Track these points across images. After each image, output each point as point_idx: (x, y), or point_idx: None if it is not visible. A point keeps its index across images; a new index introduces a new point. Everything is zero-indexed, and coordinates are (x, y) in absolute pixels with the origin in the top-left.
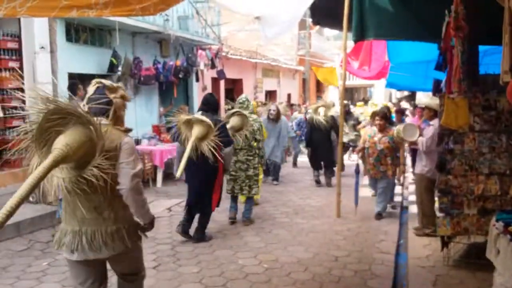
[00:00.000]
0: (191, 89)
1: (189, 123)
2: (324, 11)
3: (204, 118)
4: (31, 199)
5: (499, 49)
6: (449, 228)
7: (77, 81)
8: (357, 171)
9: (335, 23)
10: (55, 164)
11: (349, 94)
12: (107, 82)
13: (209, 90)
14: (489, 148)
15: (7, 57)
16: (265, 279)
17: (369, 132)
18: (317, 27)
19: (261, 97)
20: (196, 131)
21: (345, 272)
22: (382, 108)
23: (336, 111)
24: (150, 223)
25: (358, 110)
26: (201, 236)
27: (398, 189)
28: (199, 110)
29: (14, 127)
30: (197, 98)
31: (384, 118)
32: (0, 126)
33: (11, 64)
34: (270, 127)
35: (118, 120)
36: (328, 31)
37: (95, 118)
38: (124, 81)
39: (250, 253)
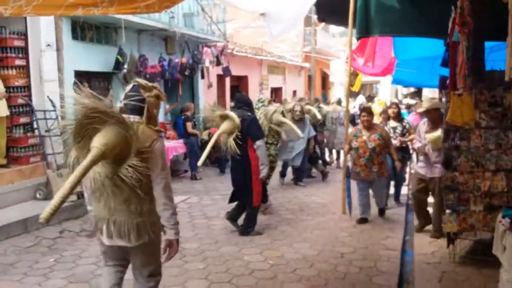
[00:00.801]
0: (196, 86)
1: (222, 118)
2: (329, 8)
3: (231, 113)
4: (38, 195)
5: (506, 45)
6: (455, 224)
7: (82, 80)
8: (347, 175)
9: (340, 19)
10: (93, 163)
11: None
12: (142, 81)
13: (214, 87)
14: (495, 145)
15: (13, 55)
16: (270, 275)
17: (354, 132)
18: (323, 23)
19: (267, 94)
20: (224, 126)
21: (351, 269)
22: (389, 106)
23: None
24: (173, 237)
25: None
26: (244, 230)
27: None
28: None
29: (20, 124)
30: (202, 95)
31: (371, 114)
32: (7, 124)
33: (18, 62)
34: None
35: (151, 119)
36: (334, 28)
37: (129, 119)
38: (130, 79)
39: (255, 250)
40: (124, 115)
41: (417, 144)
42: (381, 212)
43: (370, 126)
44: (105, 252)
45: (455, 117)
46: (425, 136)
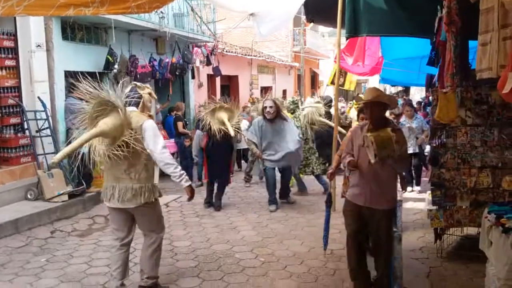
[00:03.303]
0: (187, 86)
1: (213, 112)
2: (318, 8)
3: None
4: (29, 196)
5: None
6: (442, 220)
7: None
8: (328, 202)
9: (329, 20)
10: (96, 133)
11: (344, 90)
12: (138, 83)
13: (205, 87)
14: (481, 142)
15: (3, 55)
16: (261, 272)
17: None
18: (312, 24)
19: (257, 93)
20: (223, 115)
21: (340, 265)
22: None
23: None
24: (189, 192)
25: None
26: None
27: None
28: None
29: (11, 125)
30: (193, 94)
31: None
32: None
33: (8, 62)
34: (268, 129)
35: (145, 109)
36: (323, 28)
37: (128, 108)
38: (120, 79)
39: (246, 247)
40: (121, 104)
41: (348, 158)
42: None
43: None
44: (112, 218)
45: (442, 115)
46: (368, 143)
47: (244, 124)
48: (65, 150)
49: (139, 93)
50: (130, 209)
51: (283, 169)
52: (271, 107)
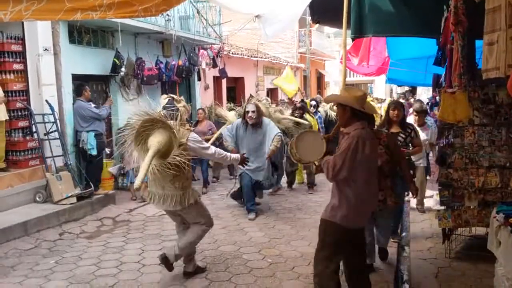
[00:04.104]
0: (193, 88)
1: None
2: (323, 9)
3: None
4: (37, 198)
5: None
6: (450, 221)
7: (84, 83)
8: None
9: (334, 21)
10: (154, 155)
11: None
12: (174, 96)
13: (211, 89)
14: (488, 142)
15: (11, 59)
16: (269, 273)
17: None
18: (317, 24)
19: (263, 94)
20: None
21: None
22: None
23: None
24: (240, 162)
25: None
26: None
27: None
28: None
29: (19, 128)
30: (199, 97)
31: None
32: (6, 128)
33: (15, 66)
34: (247, 135)
35: (182, 122)
36: (328, 29)
37: (172, 123)
38: (127, 82)
39: (254, 248)
40: (172, 123)
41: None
42: (383, 253)
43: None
44: (170, 217)
45: (446, 115)
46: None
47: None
48: (141, 176)
49: (176, 106)
50: (175, 211)
51: (257, 181)
52: (253, 111)
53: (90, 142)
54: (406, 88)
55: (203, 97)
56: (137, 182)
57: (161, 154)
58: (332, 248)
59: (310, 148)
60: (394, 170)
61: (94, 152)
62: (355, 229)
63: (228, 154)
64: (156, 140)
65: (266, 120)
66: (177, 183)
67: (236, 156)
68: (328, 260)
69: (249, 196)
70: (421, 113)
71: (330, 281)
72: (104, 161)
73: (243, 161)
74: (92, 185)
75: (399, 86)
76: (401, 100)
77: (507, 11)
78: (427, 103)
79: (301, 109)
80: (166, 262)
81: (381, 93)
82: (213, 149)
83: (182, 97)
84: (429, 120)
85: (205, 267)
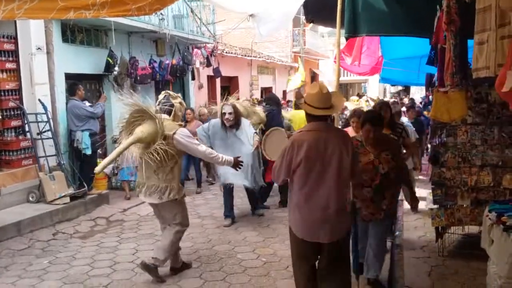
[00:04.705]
0: (187, 87)
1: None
2: (317, 8)
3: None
4: (30, 198)
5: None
6: (443, 219)
7: (77, 82)
8: (352, 213)
9: (328, 20)
10: (134, 141)
11: (344, 89)
12: (171, 92)
13: (205, 88)
14: (481, 140)
15: (3, 58)
16: (263, 272)
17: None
18: (311, 24)
19: (257, 94)
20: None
21: None
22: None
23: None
24: (233, 164)
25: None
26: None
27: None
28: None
29: (12, 128)
30: (193, 96)
31: (380, 122)
32: None
33: (8, 65)
34: (223, 138)
35: (176, 117)
36: (323, 28)
37: (160, 115)
38: (121, 81)
39: (248, 248)
40: (158, 114)
41: None
42: (375, 285)
43: (378, 140)
44: (152, 207)
45: (439, 114)
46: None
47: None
48: (105, 161)
49: (171, 102)
50: (155, 204)
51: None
52: (230, 113)
53: (84, 141)
54: (400, 88)
55: (197, 96)
56: (99, 167)
57: (145, 144)
58: (294, 251)
59: (277, 146)
60: (400, 177)
61: (89, 152)
62: (311, 242)
63: (221, 155)
64: (139, 129)
65: (244, 120)
66: (160, 174)
67: (230, 158)
68: (296, 265)
69: (226, 202)
70: (411, 108)
71: (301, 284)
72: (98, 160)
73: (237, 164)
74: (85, 185)
75: (392, 85)
76: (393, 100)
77: (497, 11)
78: (420, 102)
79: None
80: (145, 267)
81: (375, 92)
82: (203, 147)
83: (179, 94)
84: (404, 119)
85: (190, 263)
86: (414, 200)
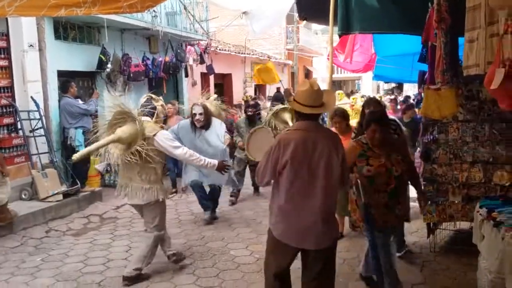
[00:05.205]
0: (181, 84)
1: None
2: (310, 6)
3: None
4: (23, 196)
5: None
6: (434, 215)
7: (70, 80)
8: (368, 219)
9: (321, 18)
10: (113, 139)
11: (337, 87)
12: (153, 95)
13: (198, 85)
14: (472, 137)
15: None
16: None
17: (359, 148)
18: (305, 21)
19: (251, 91)
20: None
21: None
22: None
23: None
24: (217, 168)
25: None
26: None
27: None
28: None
29: (4, 125)
30: (187, 93)
31: (385, 120)
32: None
33: (0, 62)
34: (197, 138)
35: (158, 119)
36: (316, 25)
37: (141, 118)
38: (114, 78)
39: (241, 244)
40: (139, 116)
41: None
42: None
43: (385, 141)
44: (134, 207)
45: (429, 111)
46: (364, 164)
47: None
48: (83, 151)
49: (153, 105)
50: (139, 205)
51: (210, 186)
52: (200, 114)
53: (78, 139)
54: (393, 85)
55: (191, 93)
56: (77, 155)
57: (126, 145)
58: (269, 255)
59: (262, 146)
60: (413, 179)
61: (82, 149)
62: (295, 247)
63: (204, 158)
64: (120, 129)
65: (215, 120)
66: (143, 176)
67: (214, 161)
68: (270, 262)
69: (202, 202)
70: (411, 107)
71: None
72: (91, 157)
73: (223, 167)
74: (78, 182)
75: (386, 82)
76: (394, 96)
77: (486, 10)
78: (413, 99)
79: (254, 107)
80: (131, 280)
81: (369, 89)
82: (184, 149)
83: (160, 97)
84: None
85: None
86: (423, 200)
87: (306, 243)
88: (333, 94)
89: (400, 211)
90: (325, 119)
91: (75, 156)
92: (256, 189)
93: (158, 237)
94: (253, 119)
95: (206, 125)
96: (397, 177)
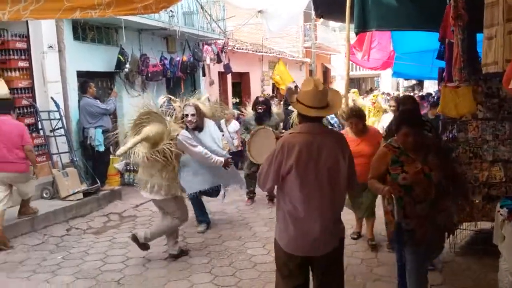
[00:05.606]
0: (198, 83)
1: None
2: (326, 3)
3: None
4: (44, 195)
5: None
6: (454, 215)
7: (88, 80)
8: (399, 237)
9: (338, 15)
10: (141, 139)
11: (356, 84)
12: (171, 96)
13: (216, 84)
14: (492, 136)
15: (16, 57)
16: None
17: (390, 153)
18: (321, 19)
19: (268, 89)
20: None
21: (352, 260)
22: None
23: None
24: (223, 164)
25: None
26: None
27: None
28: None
29: (25, 125)
30: (204, 92)
31: (418, 121)
32: None
33: (21, 64)
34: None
35: (177, 119)
36: (334, 22)
37: (166, 118)
38: (132, 78)
39: (258, 243)
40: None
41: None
42: None
43: (419, 143)
44: (153, 202)
45: (447, 110)
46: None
47: (233, 125)
48: (126, 146)
49: (172, 106)
50: (158, 200)
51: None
52: (192, 115)
53: (97, 138)
54: (413, 82)
55: (208, 92)
56: (119, 151)
57: (152, 143)
58: (279, 270)
59: (263, 148)
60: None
61: (102, 148)
62: (301, 257)
63: (214, 156)
64: (148, 128)
65: (209, 122)
66: (164, 173)
67: (221, 159)
68: (280, 285)
69: (198, 211)
70: (436, 105)
71: None
72: (111, 157)
73: (228, 164)
74: (98, 181)
75: (405, 79)
76: (426, 92)
77: (504, 6)
78: (433, 97)
79: (263, 104)
80: (135, 240)
81: (388, 87)
82: (201, 148)
83: (178, 99)
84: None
85: (188, 250)
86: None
87: (312, 251)
88: (339, 93)
89: (443, 222)
90: (335, 118)
91: (119, 151)
92: (271, 199)
93: (179, 224)
94: (261, 117)
95: (199, 126)
96: (436, 184)
